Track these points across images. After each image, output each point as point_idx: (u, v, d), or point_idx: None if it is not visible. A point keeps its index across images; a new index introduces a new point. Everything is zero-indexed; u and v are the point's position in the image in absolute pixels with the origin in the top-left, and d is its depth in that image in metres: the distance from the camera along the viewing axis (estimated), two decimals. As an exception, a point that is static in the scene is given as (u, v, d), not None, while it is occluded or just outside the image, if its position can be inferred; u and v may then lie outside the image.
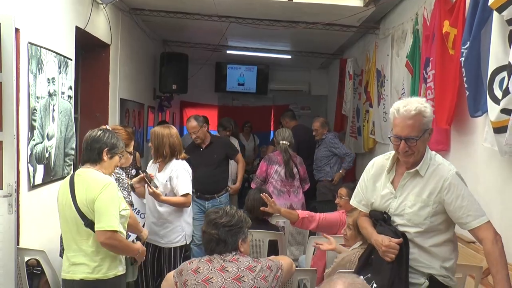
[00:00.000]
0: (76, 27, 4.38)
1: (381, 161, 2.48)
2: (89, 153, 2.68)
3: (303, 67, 10.51)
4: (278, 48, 8.67)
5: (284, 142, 5.13)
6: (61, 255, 3.10)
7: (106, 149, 2.70)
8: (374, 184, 2.46)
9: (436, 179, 2.27)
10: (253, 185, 5.05)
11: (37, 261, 3.15)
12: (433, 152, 2.38)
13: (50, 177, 3.83)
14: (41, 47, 3.59)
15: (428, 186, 2.28)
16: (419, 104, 2.24)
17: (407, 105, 2.24)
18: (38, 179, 3.65)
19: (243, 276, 2.25)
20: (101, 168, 2.69)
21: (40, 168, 3.67)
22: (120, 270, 2.69)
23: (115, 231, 2.50)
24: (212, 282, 2.24)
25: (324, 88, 10.57)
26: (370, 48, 6.34)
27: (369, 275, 2.38)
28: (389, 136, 2.33)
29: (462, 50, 3.07)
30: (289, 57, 9.05)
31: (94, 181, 2.58)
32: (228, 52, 8.73)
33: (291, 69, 10.52)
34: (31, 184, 3.52)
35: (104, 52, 5.46)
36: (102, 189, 2.54)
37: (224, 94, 10.83)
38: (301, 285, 3.55)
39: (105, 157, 2.69)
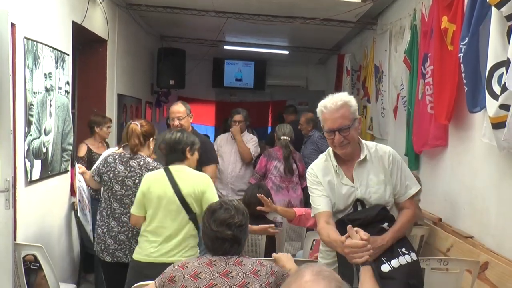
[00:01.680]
0: (73, 22, 4.36)
1: (320, 162, 2.50)
2: (174, 154, 3.10)
3: (301, 63, 10.49)
4: (276, 44, 8.65)
5: (284, 137, 5.13)
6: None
7: (188, 148, 3.12)
8: (329, 185, 2.44)
9: (381, 158, 2.43)
10: (252, 180, 5.05)
11: (35, 256, 3.14)
12: (362, 140, 2.50)
13: (47, 172, 3.83)
14: (37, 42, 3.57)
15: (378, 167, 2.42)
16: (343, 96, 2.38)
17: (332, 99, 2.37)
18: (36, 175, 3.64)
19: (249, 283, 2.08)
20: (188, 165, 3.11)
21: (38, 163, 3.66)
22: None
23: None
24: (200, 278, 2.07)
25: (322, 83, 10.55)
26: (368, 44, 6.33)
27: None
28: (322, 132, 2.44)
29: (461, 46, 3.06)
30: (287, 52, 9.03)
31: (198, 177, 3.05)
32: (225, 47, 8.71)
33: (288, 64, 10.50)
34: (28, 180, 3.51)
35: (101, 47, 5.44)
36: (208, 183, 3.02)
37: (221, 89, 10.80)
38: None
39: (188, 155, 3.12)
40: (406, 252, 2.31)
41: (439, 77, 3.59)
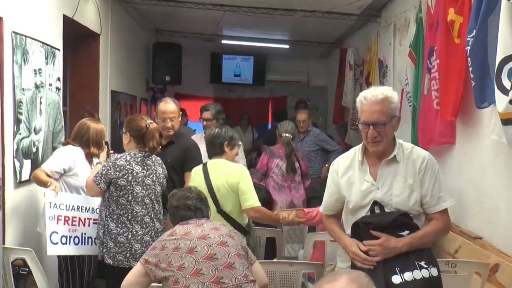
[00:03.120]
0: (64, 15, 4.33)
1: (345, 159, 2.54)
2: (213, 148, 3.43)
3: (302, 57, 10.46)
4: (275, 38, 8.62)
5: (286, 134, 5.10)
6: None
7: (226, 142, 3.42)
8: (348, 181, 2.46)
9: (414, 162, 2.38)
10: (253, 180, 5.02)
11: (24, 261, 3.11)
12: (400, 140, 2.48)
13: (37, 172, 3.79)
14: (26, 36, 3.54)
15: (408, 170, 2.37)
16: (386, 90, 2.36)
17: (373, 91, 2.34)
18: (25, 175, 3.62)
19: (226, 242, 2.47)
20: (226, 159, 3.42)
21: (27, 163, 3.64)
22: None
23: (259, 206, 3.26)
24: (210, 237, 2.43)
25: (324, 78, 10.54)
26: (372, 37, 6.30)
27: None
28: (356, 123, 2.42)
29: (468, 39, 3.02)
30: (287, 46, 9.00)
31: (232, 168, 3.35)
32: (223, 42, 8.68)
33: (289, 59, 10.47)
34: (17, 180, 3.49)
35: (93, 42, 5.41)
36: (241, 174, 3.29)
37: (219, 85, 10.78)
38: (306, 279, 3.55)
39: (226, 149, 3.43)
40: (425, 266, 2.23)
41: (445, 72, 3.56)
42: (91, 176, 3.33)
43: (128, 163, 3.26)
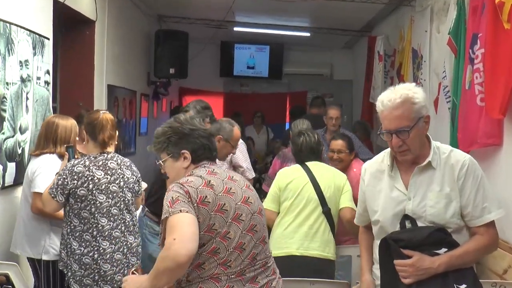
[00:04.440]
0: (54, 0, 4.33)
1: (374, 163, 2.57)
2: (313, 154, 3.84)
3: (324, 47, 10.41)
4: (295, 25, 8.59)
5: None
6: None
7: (323, 149, 3.98)
8: (375, 189, 2.50)
9: (452, 167, 2.35)
10: (264, 187, 4.97)
11: (7, 277, 3.10)
12: (437, 142, 2.47)
13: (23, 177, 3.78)
14: (10, 23, 3.54)
15: (446, 177, 2.34)
16: (405, 90, 2.32)
17: (390, 94, 2.32)
18: (9, 179, 3.63)
19: (248, 185, 2.44)
20: None
21: (12, 166, 3.65)
22: None
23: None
24: (251, 203, 2.35)
25: (349, 71, 10.49)
26: (405, 24, 6.25)
27: None
28: (378, 132, 2.44)
29: (520, 24, 2.96)
30: (308, 34, 8.97)
31: (336, 171, 3.84)
32: (235, 29, 8.68)
33: (309, 49, 10.44)
34: (0, 185, 3.50)
35: (88, 30, 5.43)
36: (345, 177, 3.80)
37: (230, 79, 10.80)
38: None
39: (322, 157, 3.92)
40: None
41: (491, 62, 3.50)
42: (46, 188, 3.25)
43: (87, 168, 3.18)
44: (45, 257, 3.47)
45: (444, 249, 2.25)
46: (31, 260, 3.58)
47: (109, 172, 3.26)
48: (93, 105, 5.43)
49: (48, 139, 3.57)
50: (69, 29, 5.29)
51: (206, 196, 2.19)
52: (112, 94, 6.13)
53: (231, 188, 2.29)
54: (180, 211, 2.11)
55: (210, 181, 2.25)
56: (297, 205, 3.58)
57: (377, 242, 2.47)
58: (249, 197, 2.34)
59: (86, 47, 5.43)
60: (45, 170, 3.47)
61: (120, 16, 6.35)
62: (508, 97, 3.31)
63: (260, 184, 6.53)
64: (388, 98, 2.31)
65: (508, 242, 3.44)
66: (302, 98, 10.59)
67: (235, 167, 4.58)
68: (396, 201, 2.38)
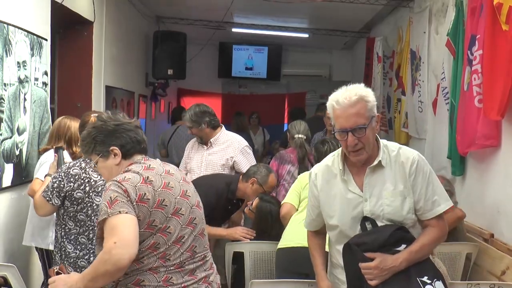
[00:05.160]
0: (52, 1, 4.33)
1: (325, 167, 2.54)
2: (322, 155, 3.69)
3: (323, 48, 10.44)
4: (293, 26, 8.60)
5: (299, 136, 5.04)
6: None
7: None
8: (329, 194, 2.48)
9: (402, 164, 2.39)
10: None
11: (5, 279, 3.10)
12: (384, 140, 2.49)
13: (21, 178, 3.80)
14: (8, 24, 3.53)
15: (397, 175, 2.38)
16: (358, 89, 2.37)
17: (345, 93, 2.35)
18: (7, 181, 3.61)
19: (185, 178, 2.45)
20: None
21: (9, 167, 3.64)
22: None
23: None
24: (172, 187, 2.29)
25: (348, 72, 10.48)
26: (403, 25, 6.26)
27: None
28: (332, 132, 2.44)
29: (518, 25, 2.97)
30: (306, 35, 8.98)
31: None
32: (234, 30, 8.68)
33: (308, 50, 10.45)
34: (-2, 187, 3.49)
35: (86, 31, 5.41)
36: None
37: (229, 80, 10.80)
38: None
39: None
40: (429, 281, 2.26)
41: (490, 64, 3.52)
42: (38, 192, 3.23)
43: (83, 171, 3.15)
44: (52, 247, 3.51)
45: (403, 245, 2.31)
46: (40, 251, 3.66)
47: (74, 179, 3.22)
48: (91, 106, 5.42)
49: (60, 137, 3.67)
50: (67, 30, 5.28)
51: (145, 194, 2.16)
52: (110, 95, 6.12)
53: (169, 182, 2.28)
54: (119, 212, 2.09)
55: (148, 177, 2.23)
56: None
57: (337, 247, 2.47)
58: (187, 191, 2.34)
59: (84, 48, 5.41)
60: (50, 161, 3.54)
61: (118, 17, 6.34)
62: (506, 99, 3.32)
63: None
64: (343, 97, 2.33)
65: (506, 244, 3.46)
66: (300, 99, 10.60)
67: (238, 173, 4.45)
68: (353, 204, 2.39)
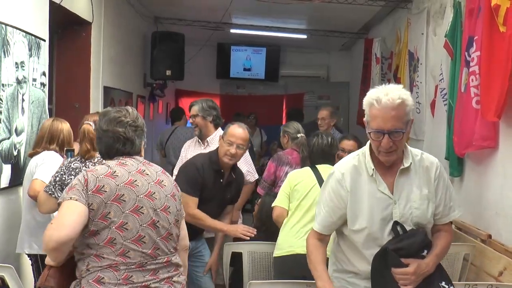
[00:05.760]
0: (50, 1, 4.34)
1: (351, 166, 2.45)
2: (326, 156, 3.76)
3: (321, 49, 10.44)
4: (292, 26, 8.60)
5: (301, 135, 5.05)
6: None
7: (338, 153, 3.92)
8: (358, 193, 2.41)
9: (427, 169, 2.41)
10: (260, 190, 4.94)
11: (2, 279, 3.10)
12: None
13: (19, 178, 3.81)
14: (6, 24, 3.54)
15: (422, 179, 2.40)
16: (400, 92, 2.30)
17: (388, 94, 2.26)
18: (5, 181, 3.63)
19: (163, 181, 2.42)
20: None
21: (7, 168, 3.65)
22: None
23: None
24: (138, 185, 2.31)
25: (346, 73, 10.49)
26: (401, 26, 6.25)
27: None
28: (368, 132, 2.33)
29: (515, 27, 2.98)
30: (305, 36, 8.98)
31: None
32: (232, 31, 8.68)
33: (306, 51, 10.45)
34: (-4, 188, 3.50)
35: (84, 32, 5.42)
36: None
37: (227, 81, 10.79)
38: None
39: (337, 160, 3.60)
40: (447, 286, 2.30)
41: (487, 65, 3.51)
42: (38, 190, 3.27)
43: (83, 164, 3.21)
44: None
45: (425, 251, 2.34)
46: (34, 257, 3.62)
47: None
48: (89, 106, 5.42)
49: (53, 139, 3.66)
50: (65, 30, 5.29)
51: (103, 186, 2.23)
52: (108, 96, 6.12)
53: (136, 180, 2.31)
54: (70, 198, 2.19)
55: (115, 171, 2.30)
56: (304, 206, 3.57)
57: (364, 252, 2.39)
58: (154, 192, 2.34)
59: (82, 48, 5.42)
60: (47, 162, 3.54)
61: (117, 18, 6.35)
62: (503, 100, 3.31)
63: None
64: (387, 97, 2.25)
65: (504, 245, 3.45)
66: (299, 100, 10.60)
67: None
68: (382, 205, 2.36)
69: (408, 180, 2.38)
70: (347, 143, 4.71)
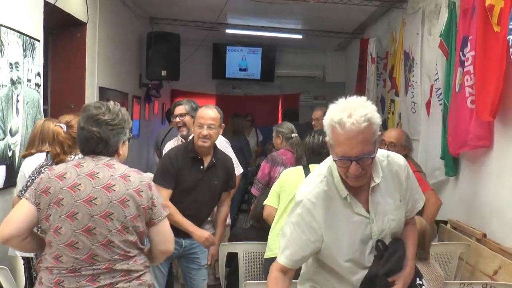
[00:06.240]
0: (45, 1, 4.32)
1: (321, 194, 2.17)
2: (318, 157, 3.44)
3: (317, 49, 10.45)
4: (287, 27, 8.60)
5: (295, 134, 5.06)
6: None
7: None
8: (332, 222, 2.16)
9: (396, 173, 2.23)
10: (254, 191, 4.93)
11: (-3, 281, 3.09)
12: None
13: (14, 180, 3.77)
14: (0, 25, 3.52)
15: (393, 185, 2.22)
16: (366, 109, 2.00)
17: (352, 115, 1.97)
18: (0, 182, 3.62)
19: (114, 185, 2.29)
20: None
21: (2, 169, 3.63)
22: None
23: None
24: (80, 190, 2.25)
25: (342, 73, 10.50)
26: (397, 26, 6.27)
27: None
28: (334, 159, 2.08)
29: (510, 27, 3.00)
30: (300, 37, 8.98)
31: None
32: (227, 31, 8.67)
33: (302, 51, 10.47)
34: (-9, 189, 3.48)
35: (79, 32, 5.40)
36: None
37: (223, 81, 10.79)
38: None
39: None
40: (421, 282, 2.29)
41: (482, 65, 3.53)
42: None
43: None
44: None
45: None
46: (25, 259, 3.59)
47: None
48: (84, 107, 5.40)
49: (44, 141, 3.56)
50: (60, 31, 5.27)
51: (50, 187, 2.24)
52: (104, 96, 6.09)
53: (79, 184, 2.25)
54: (25, 196, 2.28)
55: (66, 173, 2.28)
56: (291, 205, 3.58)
57: (350, 278, 2.21)
58: (96, 198, 2.24)
59: (77, 49, 5.40)
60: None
61: (112, 18, 6.33)
62: (498, 100, 3.33)
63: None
64: (351, 121, 1.96)
65: (499, 244, 3.47)
66: (294, 100, 10.61)
67: None
68: (360, 227, 2.17)
69: (381, 193, 2.19)
70: (316, 112, 4.73)
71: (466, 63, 3.80)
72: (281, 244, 2.26)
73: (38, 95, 4.22)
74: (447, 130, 4.20)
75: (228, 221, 4.49)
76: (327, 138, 2.10)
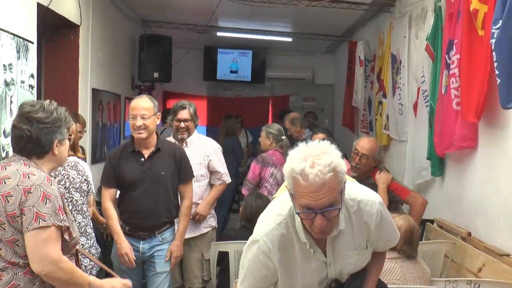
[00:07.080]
0: (38, 4, 4.30)
1: (279, 236, 2.04)
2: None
3: (306, 52, 10.46)
4: (277, 30, 8.62)
5: (285, 136, 5.10)
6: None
7: None
8: (289, 266, 2.08)
9: (366, 223, 2.06)
10: (244, 191, 4.95)
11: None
12: None
13: (7, 181, 3.76)
14: (-6, 27, 3.51)
15: (359, 232, 2.07)
16: (329, 156, 1.85)
17: (315, 165, 1.80)
18: (-7, 184, 3.57)
19: (5, 183, 2.18)
20: None
21: (-4, 170, 3.59)
22: None
23: None
24: None
25: (331, 76, 10.53)
26: (384, 29, 6.30)
27: None
28: (296, 212, 1.92)
29: (493, 31, 3.01)
30: (290, 39, 9.00)
31: None
32: (218, 34, 8.67)
33: (292, 54, 10.47)
34: (-16, 190, 3.44)
35: (72, 34, 5.38)
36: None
37: (214, 83, 10.77)
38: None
39: None
40: None
41: (466, 68, 3.56)
42: None
43: (63, 167, 3.21)
44: None
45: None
46: None
47: (80, 173, 3.33)
48: (77, 109, 5.38)
49: None
50: (54, 33, 5.25)
51: None
52: (97, 98, 6.08)
53: None
54: None
55: None
56: None
57: None
58: None
59: (70, 51, 5.37)
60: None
61: (105, 21, 6.31)
62: (482, 102, 3.36)
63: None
64: (314, 173, 1.79)
65: (483, 242, 3.49)
66: (284, 101, 10.62)
67: (212, 172, 4.31)
68: (318, 270, 2.09)
69: (342, 238, 2.04)
70: (318, 137, 4.79)
71: (451, 66, 3.82)
72: (240, 275, 2.20)
73: (32, 97, 4.18)
74: (434, 131, 4.22)
75: (214, 224, 4.42)
76: (287, 187, 1.94)
